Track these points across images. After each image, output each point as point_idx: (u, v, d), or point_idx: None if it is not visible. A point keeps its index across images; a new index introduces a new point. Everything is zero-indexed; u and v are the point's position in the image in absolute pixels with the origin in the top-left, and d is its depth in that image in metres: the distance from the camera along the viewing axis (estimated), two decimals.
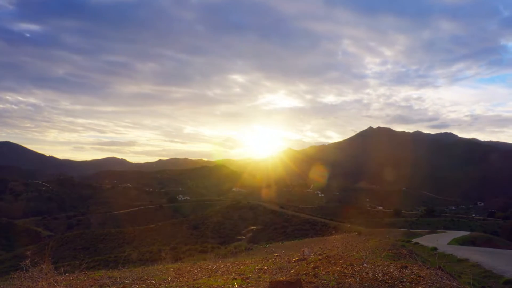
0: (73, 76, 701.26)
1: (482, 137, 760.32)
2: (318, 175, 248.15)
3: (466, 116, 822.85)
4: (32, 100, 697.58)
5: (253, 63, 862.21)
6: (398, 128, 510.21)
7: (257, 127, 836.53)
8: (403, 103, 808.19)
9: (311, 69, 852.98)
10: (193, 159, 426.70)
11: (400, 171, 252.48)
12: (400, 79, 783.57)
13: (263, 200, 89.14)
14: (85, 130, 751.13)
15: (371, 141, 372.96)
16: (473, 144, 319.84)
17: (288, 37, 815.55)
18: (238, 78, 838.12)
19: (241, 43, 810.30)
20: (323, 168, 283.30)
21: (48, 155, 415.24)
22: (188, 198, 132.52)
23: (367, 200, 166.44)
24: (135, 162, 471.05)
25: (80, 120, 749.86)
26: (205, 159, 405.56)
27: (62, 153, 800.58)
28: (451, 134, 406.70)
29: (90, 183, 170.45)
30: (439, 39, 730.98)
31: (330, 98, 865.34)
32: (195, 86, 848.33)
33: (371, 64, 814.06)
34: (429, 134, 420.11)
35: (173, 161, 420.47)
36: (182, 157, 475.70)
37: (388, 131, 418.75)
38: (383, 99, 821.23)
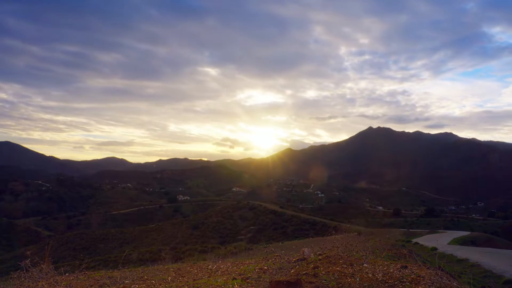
0: (35, 69, 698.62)
1: (475, 134, 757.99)
2: (318, 175, 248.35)
3: (457, 112, 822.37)
4: (3, 95, 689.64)
5: (221, 53, 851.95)
6: (396, 127, 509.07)
7: (244, 125, 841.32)
8: (388, 98, 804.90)
9: (284, 61, 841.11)
10: (193, 159, 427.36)
11: (400, 171, 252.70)
12: (381, 72, 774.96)
13: (263, 200, 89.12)
14: (69, 128, 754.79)
15: (371, 141, 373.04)
16: (473, 144, 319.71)
17: (251, 22, 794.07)
18: (211, 71, 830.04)
19: (200, 30, 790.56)
20: (323, 168, 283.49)
21: (48, 155, 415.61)
22: (188, 198, 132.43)
23: (367, 200, 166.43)
24: (135, 162, 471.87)
25: (60, 118, 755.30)
26: (205, 159, 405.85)
27: (60, 153, 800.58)
28: (451, 134, 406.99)
29: (90, 183, 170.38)
30: (417, 24, 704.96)
31: (311, 93, 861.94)
32: (166, 79, 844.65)
33: (348, 54, 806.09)
34: (429, 134, 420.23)
35: (173, 161, 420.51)
36: (182, 157, 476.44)
37: (388, 131, 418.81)
38: (367, 93, 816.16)
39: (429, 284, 4.58)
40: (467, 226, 63.83)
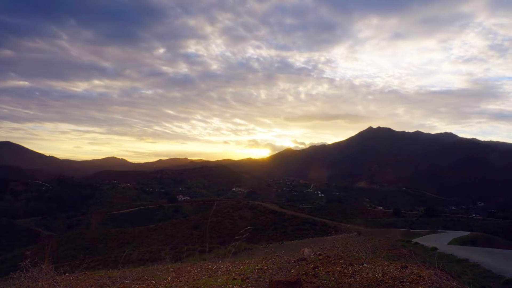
0: None
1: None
2: (318, 175, 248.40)
3: None
4: None
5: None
6: (397, 128, 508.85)
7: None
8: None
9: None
10: (193, 159, 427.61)
11: (400, 171, 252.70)
12: None
13: (263, 200, 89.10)
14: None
15: (371, 141, 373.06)
16: (473, 144, 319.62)
17: None
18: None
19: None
20: (323, 168, 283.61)
21: (48, 155, 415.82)
22: (188, 198, 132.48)
23: (367, 200, 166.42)
24: (135, 162, 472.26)
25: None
26: (205, 159, 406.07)
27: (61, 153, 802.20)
28: (451, 134, 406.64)
29: (90, 183, 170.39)
30: None
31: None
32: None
33: None
34: (429, 134, 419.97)
35: (173, 161, 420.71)
36: (181, 157, 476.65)
37: (388, 131, 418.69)
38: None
39: (429, 284, 4.58)
40: (467, 226, 63.83)
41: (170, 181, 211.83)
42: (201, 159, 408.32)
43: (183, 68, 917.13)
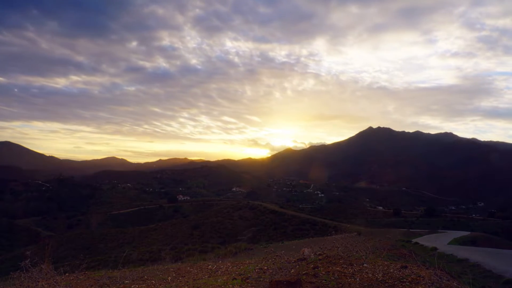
0: None
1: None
2: (318, 175, 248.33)
3: None
4: None
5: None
6: (397, 128, 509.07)
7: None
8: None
9: None
10: (193, 159, 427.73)
11: (400, 171, 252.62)
12: None
13: (263, 200, 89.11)
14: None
15: (371, 141, 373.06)
16: (473, 144, 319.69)
17: None
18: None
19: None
20: (323, 168, 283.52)
21: (48, 155, 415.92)
22: (188, 198, 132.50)
23: (367, 200, 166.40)
24: (135, 162, 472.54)
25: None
26: (205, 159, 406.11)
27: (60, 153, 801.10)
28: (451, 134, 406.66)
29: (90, 183, 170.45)
30: None
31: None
32: None
33: None
34: (429, 134, 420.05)
35: (173, 161, 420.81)
36: (182, 157, 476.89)
37: (388, 131, 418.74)
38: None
39: (429, 284, 4.58)
40: (467, 226, 63.82)
41: (170, 181, 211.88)
42: (201, 159, 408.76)
43: (161, 63, 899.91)
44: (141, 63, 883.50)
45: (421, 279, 4.77)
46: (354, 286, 4.61)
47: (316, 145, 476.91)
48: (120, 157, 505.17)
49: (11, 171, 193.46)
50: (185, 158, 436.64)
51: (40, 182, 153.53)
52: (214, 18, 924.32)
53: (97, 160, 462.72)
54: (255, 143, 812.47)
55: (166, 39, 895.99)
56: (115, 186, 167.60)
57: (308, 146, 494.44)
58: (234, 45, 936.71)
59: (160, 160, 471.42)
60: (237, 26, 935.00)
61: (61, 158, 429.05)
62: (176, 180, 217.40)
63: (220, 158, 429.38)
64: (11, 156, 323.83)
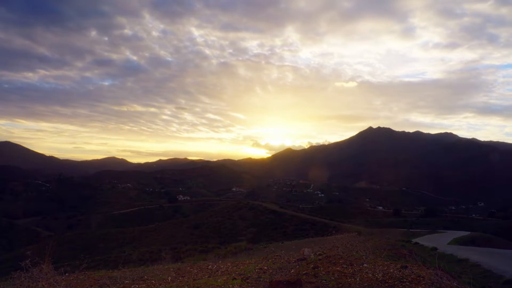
0: None
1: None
2: (318, 175, 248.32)
3: None
4: None
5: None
6: (397, 128, 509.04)
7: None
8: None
9: None
10: (193, 159, 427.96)
11: (400, 171, 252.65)
12: None
13: (263, 200, 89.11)
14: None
15: (371, 141, 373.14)
16: (473, 144, 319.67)
17: None
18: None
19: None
20: (323, 168, 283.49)
21: (48, 155, 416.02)
22: (188, 198, 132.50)
23: (367, 200, 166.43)
24: (135, 162, 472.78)
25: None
26: (205, 159, 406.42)
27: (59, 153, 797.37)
28: (451, 134, 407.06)
29: (90, 183, 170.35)
30: None
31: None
32: None
33: None
34: (429, 134, 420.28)
35: (173, 161, 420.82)
36: (182, 157, 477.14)
37: (388, 131, 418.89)
38: None
39: (429, 284, 4.58)
40: (467, 226, 63.78)
41: (170, 181, 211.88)
42: (201, 159, 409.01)
43: (128, 54, 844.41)
44: (107, 54, 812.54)
45: (421, 279, 4.77)
46: (354, 286, 4.61)
47: (316, 145, 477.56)
48: (120, 157, 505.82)
49: (11, 171, 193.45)
50: (185, 158, 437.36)
51: (40, 182, 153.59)
52: (173, 2, 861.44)
53: (97, 160, 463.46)
54: (244, 141, 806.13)
55: (126, 26, 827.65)
56: (115, 186, 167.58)
57: (308, 146, 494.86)
58: (200, 34, 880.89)
59: (160, 160, 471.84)
60: (199, 10, 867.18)
61: (61, 158, 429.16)
62: (176, 180, 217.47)
63: (220, 158, 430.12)
64: (11, 156, 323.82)
